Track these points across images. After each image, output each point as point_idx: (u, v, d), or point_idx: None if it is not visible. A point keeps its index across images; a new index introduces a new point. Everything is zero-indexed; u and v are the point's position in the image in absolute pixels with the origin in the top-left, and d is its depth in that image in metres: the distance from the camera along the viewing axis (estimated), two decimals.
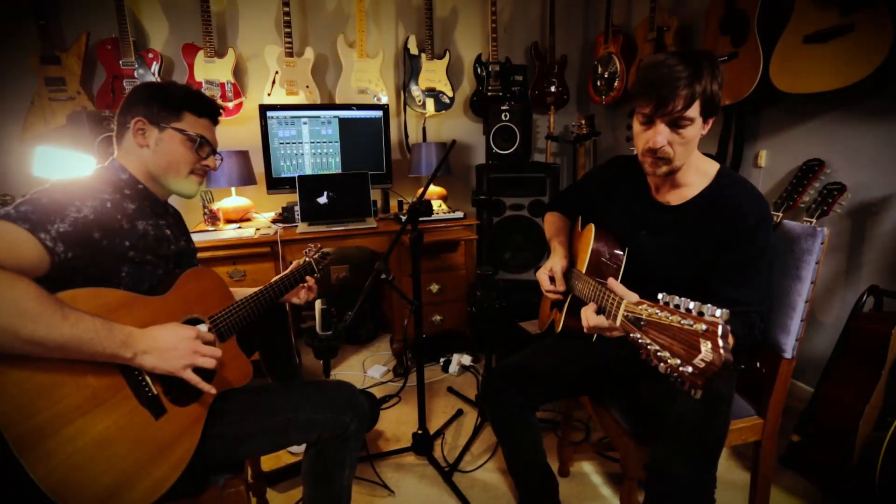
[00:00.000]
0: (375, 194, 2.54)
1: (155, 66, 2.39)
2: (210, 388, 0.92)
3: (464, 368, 2.41)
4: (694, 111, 0.99)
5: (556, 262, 1.28)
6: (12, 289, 0.69)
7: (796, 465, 1.58)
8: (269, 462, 1.70)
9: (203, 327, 0.93)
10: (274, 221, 2.36)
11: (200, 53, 2.43)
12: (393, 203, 2.71)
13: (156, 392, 0.88)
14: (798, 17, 1.71)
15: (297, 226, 2.23)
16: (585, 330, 1.04)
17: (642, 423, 1.19)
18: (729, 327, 0.64)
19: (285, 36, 2.48)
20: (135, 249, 0.94)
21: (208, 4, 2.38)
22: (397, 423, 1.99)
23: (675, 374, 0.69)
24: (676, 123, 1.00)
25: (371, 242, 2.25)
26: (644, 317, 0.77)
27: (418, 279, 1.56)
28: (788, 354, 1.19)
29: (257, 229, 2.17)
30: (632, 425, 1.21)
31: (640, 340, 0.77)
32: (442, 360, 2.45)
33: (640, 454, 1.17)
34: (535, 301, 2.41)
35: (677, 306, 0.72)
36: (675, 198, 1.14)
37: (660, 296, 0.77)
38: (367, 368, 2.45)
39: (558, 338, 1.35)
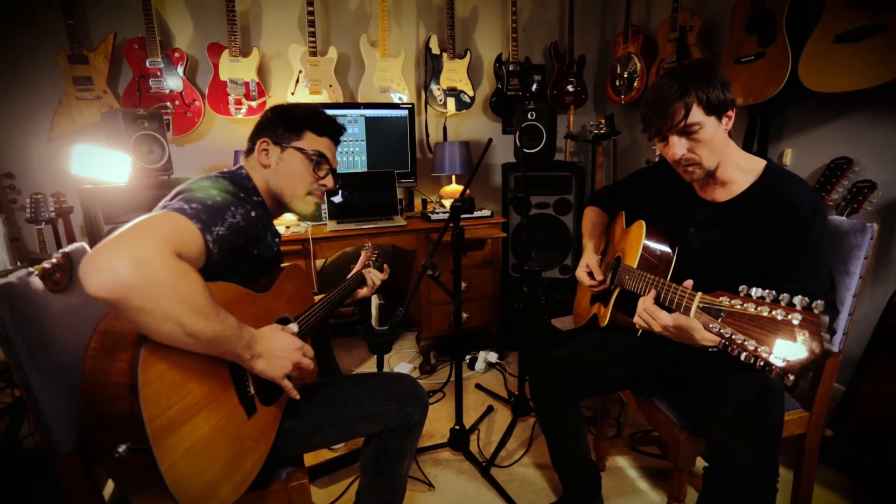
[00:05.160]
0: (399, 192, 2.55)
1: (181, 67, 2.40)
2: (297, 395, 0.94)
3: (490, 366, 2.42)
4: (697, 115, 1.05)
5: (588, 257, 1.43)
6: (190, 280, 0.70)
7: (830, 460, 1.59)
8: (308, 457, 1.71)
9: (294, 327, 0.96)
10: (301, 220, 2.36)
11: (225, 53, 2.44)
12: (417, 201, 2.73)
13: (252, 392, 0.89)
14: (829, 17, 1.73)
15: (326, 224, 2.24)
16: (638, 314, 1.09)
17: (692, 415, 1.21)
18: (827, 318, 0.65)
19: (309, 35, 2.50)
20: (260, 255, 1.00)
21: (233, 4, 2.39)
22: (429, 420, 1.99)
23: (762, 363, 0.70)
24: (686, 132, 1.06)
25: (400, 240, 2.27)
26: (725, 307, 0.79)
27: (459, 276, 1.58)
28: (836, 348, 1.21)
29: (287, 227, 2.18)
30: (681, 417, 1.22)
31: (720, 331, 0.78)
32: (468, 357, 2.46)
33: (691, 446, 1.19)
34: (561, 298, 2.44)
35: (762, 298, 0.74)
36: (721, 194, 1.16)
37: (741, 287, 0.78)
38: (392, 366, 2.46)
39: (602, 331, 1.37)
